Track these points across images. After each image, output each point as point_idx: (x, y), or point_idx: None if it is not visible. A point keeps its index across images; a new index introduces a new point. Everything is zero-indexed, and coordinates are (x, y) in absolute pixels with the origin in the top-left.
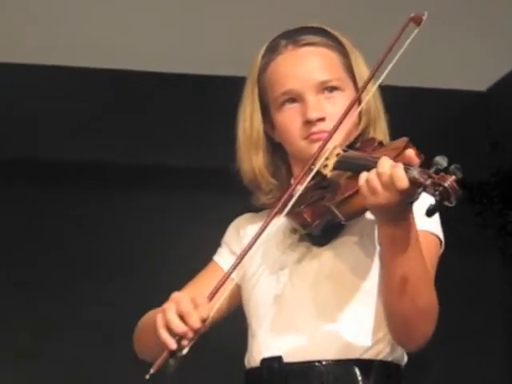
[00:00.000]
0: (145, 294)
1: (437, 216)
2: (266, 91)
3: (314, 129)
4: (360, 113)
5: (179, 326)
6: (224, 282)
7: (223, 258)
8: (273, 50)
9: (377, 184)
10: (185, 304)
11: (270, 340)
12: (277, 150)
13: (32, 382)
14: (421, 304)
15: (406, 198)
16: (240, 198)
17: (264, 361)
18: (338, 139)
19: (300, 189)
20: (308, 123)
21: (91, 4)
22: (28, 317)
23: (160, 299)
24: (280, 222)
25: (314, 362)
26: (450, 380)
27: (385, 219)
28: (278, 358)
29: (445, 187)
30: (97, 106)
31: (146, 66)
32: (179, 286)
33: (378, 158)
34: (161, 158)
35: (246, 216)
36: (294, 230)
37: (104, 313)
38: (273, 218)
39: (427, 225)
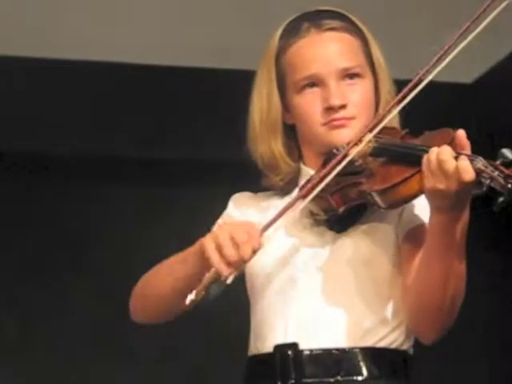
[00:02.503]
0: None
1: None
2: (283, 73)
3: (336, 115)
4: (378, 102)
5: (233, 253)
6: (278, 218)
7: None
8: (294, 32)
9: (437, 169)
10: (240, 233)
11: (284, 325)
12: (289, 132)
13: (19, 378)
14: (456, 299)
15: (470, 188)
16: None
17: (278, 347)
18: (357, 126)
19: (331, 175)
20: (329, 109)
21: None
22: (15, 312)
23: None
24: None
25: (331, 349)
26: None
27: (441, 207)
28: (294, 345)
29: None
30: (94, 100)
31: (142, 59)
32: None
33: (426, 145)
34: (159, 153)
35: (246, 194)
36: (311, 214)
37: (95, 309)
38: (298, 199)
39: None
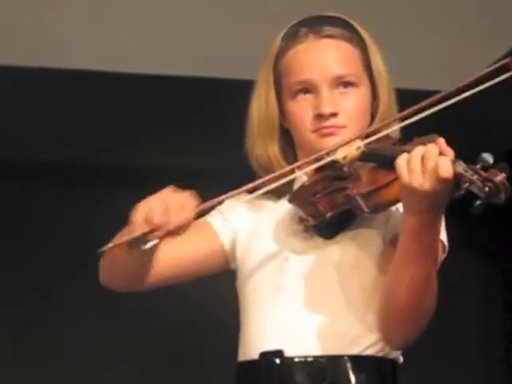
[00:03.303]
0: (135, 297)
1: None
2: (280, 77)
3: (326, 123)
4: (375, 112)
5: (159, 216)
6: (217, 204)
7: (216, 219)
8: (292, 37)
9: (418, 165)
10: (173, 201)
11: (270, 332)
12: (285, 136)
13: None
14: (425, 305)
15: (446, 192)
16: None
17: (263, 354)
18: (348, 136)
19: (300, 172)
20: (320, 117)
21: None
22: (8, 317)
23: (153, 299)
24: (285, 207)
25: (317, 357)
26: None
27: (414, 208)
28: (279, 352)
29: (495, 183)
30: (92, 107)
31: (142, 69)
32: (173, 288)
33: (411, 150)
34: (156, 159)
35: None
36: (301, 220)
37: (90, 314)
38: (256, 186)
39: None
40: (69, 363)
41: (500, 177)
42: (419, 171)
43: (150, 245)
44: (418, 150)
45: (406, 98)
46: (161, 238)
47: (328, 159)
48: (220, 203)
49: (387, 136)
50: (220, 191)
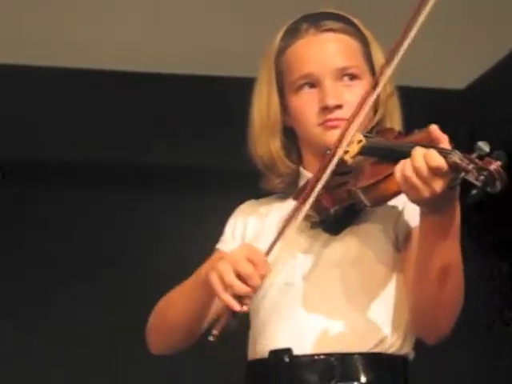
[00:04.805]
0: (135, 296)
1: None
2: (282, 74)
3: (331, 116)
4: (377, 103)
5: (242, 288)
6: (281, 235)
7: (228, 244)
8: (293, 33)
9: (415, 180)
10: (244, 265)
11: (279, 331)
12: (288, 134)
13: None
14: (457, 293)
15: (448, 185)
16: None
17: (272, 352)
18: (354, 128)
19: (323, 178)
20: (325, 109)
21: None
22: (10, 318)
23: (153, 301)
24: (291, 205)
25: (325, 354)
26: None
27: (429, 210)
28: (288, 350)
29: (490, 171)
30: (93, 106)
31: (143, 67)
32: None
33: (409, 144)
34: (157, 158)
35: (249, 203)
36: (306, 216)
37: (91, 315)
38: (298, 209)
39: None
40: (73, 363)
41: (495, 165)
42: (420, 184)
43: (246, 307)
44: (409, 166)
45: (411, 96)
46: (252, 297)
47: (335, 159)
48: (278, 239)
49: (390, 129)
50: (220, 191)
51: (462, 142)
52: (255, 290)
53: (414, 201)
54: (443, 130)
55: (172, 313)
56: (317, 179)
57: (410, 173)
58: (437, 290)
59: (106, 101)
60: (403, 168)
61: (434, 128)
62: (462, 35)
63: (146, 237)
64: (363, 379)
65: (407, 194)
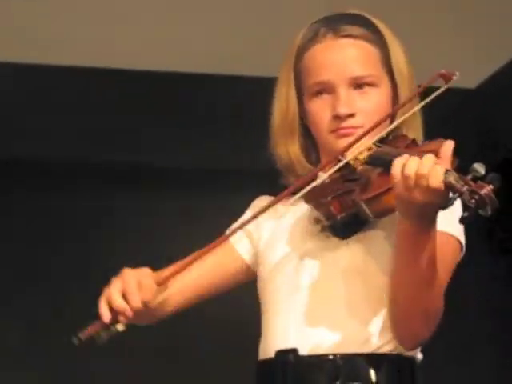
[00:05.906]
0: None
1: None
2: (300, 77)
3: (343, 124)
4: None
5: (118, 302)
6: (181, 271)
7: (238, 239)
8: (311, 37)
9: (411, 179)
10: (130, 284)
11: (286, 331)
12: (308, 135)
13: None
14: (425, 305)
15: (438, 202)
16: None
17: (279, 353)
18: (368, 137)
19: (323, 177)
20: (337, 118)
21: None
22: (17, 317)
23: None
24: (306, 208)
25: (332, 355)
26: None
27: (406, 214)
28: (293, 351)
29: (481, 196)
30: (94, 105)
31: (143, 66)
32: None
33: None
34: (157, 158)
35: (265, 197)
36: (317, 220)
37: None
38: (283, 197)
39: (449, 226)
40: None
41: (486, 189)
42: (412, 182)
43: (121, 327)
44: (413, 161)
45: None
46: (131, 318)
47: (341, 163)
48: (180, 271)
49: (403, 136)
50: (220, 191)
51: (470, 144)
52: (133, 310)
53: (401, 199)
54: (453, 129)
55: None
56: (312, 176)
57: (411, 167)
58: (403, 297)
59: (105, 101)
60: (407, 164)
61: (447, 147)
62: (472, 35)
63: (145, 237)
64: (368, 379)
65: (397, 192)
